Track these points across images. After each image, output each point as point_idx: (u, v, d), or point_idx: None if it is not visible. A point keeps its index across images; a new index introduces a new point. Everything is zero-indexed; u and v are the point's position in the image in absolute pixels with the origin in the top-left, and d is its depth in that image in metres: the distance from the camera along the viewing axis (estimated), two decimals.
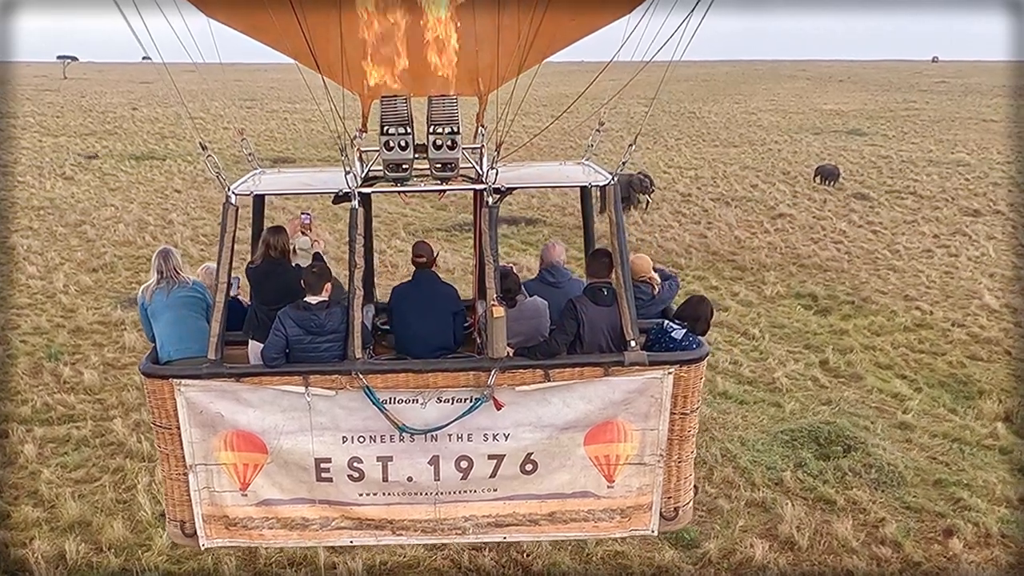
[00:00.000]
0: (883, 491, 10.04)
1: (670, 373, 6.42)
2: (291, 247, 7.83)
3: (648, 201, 26.87)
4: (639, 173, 27.87)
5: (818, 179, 30.87)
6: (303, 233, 9.03)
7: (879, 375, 13.67)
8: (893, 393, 12.94)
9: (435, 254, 7.25)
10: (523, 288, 7.37)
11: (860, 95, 72.79)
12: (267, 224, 7.79)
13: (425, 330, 6.88)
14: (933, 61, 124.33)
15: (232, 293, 7.26)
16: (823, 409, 12.23)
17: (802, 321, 16.41)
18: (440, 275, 7.30)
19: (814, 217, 25.32)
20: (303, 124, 50.73)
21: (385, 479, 6.65)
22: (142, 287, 7.26)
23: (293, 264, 7.65)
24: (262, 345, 6.60)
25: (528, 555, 8.87)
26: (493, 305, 6.24)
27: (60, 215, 25.57)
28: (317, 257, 8.33)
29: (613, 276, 6.57)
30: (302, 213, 9.11)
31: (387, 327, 7.49)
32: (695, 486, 7.20)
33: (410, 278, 7.20)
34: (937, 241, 22.29)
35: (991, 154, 37.00)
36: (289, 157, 37.82)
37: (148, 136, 45.02)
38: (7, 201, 26.98)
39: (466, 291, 8.59)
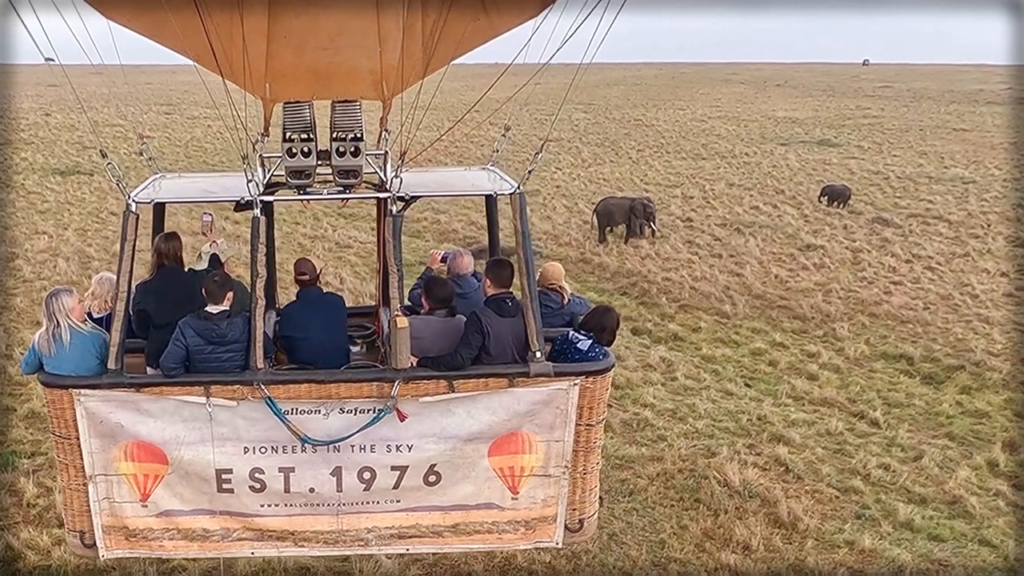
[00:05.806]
0: None
1: (576, 384, 6.33)
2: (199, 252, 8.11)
3: (653, 229, 23.90)
4: (641, 198, 24.98)
5: (825, 200, 28.32)
6: (204, 234, 8.52)
7: None
8: None
9: (318, 271, 7.31)
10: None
11: (807, 100, 71.05)
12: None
13: (322, 345, 6.82)
14: (864, 64, 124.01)
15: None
16: None
17: (920, 397, 13.60)
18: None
19: (848, 249, 22.69)
20: (230, 132, 46.26)
21: (287, 490, 6.51)
22: (37, 334, 6.43)
23: (192, 269, 7.68)
24: None
25: None
26: (397, 315, 6.13)
27: None
28: (215, 260, 8.11)
29: (518, 285, 6.41)
30: (204, 214, 8.58)
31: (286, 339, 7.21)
32: (600, 498, 7.11)
33: (295, 299, 7.16)
34: (1011, 280, 19.66)
35: (988, 168, 35.06)
36: (227, 169, 33.69)
37: (68, 146, 40.96)
38: None
39: None
